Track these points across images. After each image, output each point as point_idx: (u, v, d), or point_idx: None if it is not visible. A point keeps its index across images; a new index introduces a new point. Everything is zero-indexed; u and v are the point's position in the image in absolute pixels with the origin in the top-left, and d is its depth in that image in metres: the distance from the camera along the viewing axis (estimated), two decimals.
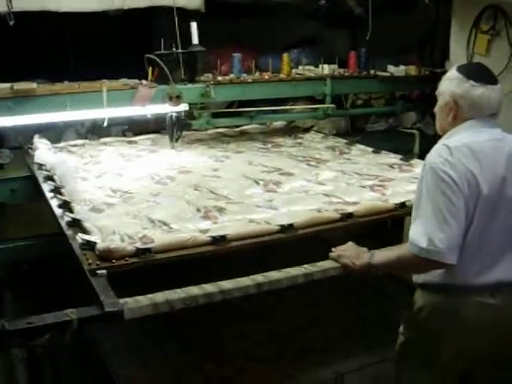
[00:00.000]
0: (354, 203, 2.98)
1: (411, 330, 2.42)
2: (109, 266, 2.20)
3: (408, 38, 5.76)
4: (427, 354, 2.33)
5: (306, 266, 2.35)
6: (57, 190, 3.03)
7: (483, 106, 2.24)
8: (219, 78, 4.37)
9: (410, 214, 2.89)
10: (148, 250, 2.29)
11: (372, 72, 5.03)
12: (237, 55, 4.51)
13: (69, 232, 2.55)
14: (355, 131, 5.16)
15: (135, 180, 3.38)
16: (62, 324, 1.87)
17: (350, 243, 2.46)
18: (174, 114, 4.09)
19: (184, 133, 4.33)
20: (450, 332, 2.26)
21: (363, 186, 3.30)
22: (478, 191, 2.13)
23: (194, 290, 2.10)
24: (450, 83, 2.28)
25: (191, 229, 2.61)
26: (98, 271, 2.16)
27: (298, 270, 2.32)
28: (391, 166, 3.75)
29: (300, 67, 4.90)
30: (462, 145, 2.17)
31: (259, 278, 2.23)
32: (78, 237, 2.41)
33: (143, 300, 2.00)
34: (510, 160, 2.23)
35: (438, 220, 2.09)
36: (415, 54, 5.80)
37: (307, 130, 4.92)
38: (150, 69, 4.09)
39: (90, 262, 2.22)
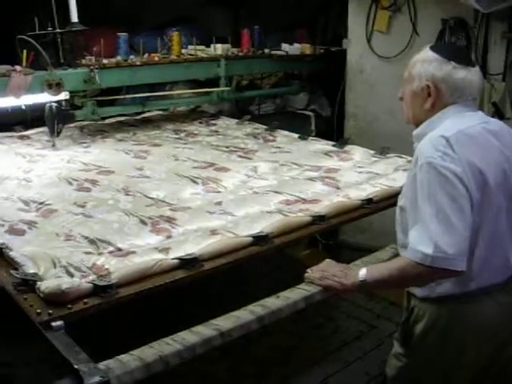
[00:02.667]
0: (315, 201, 2.63)
1: (419, 350, 2.11)
2: (66, 314, 1.66)
3: (298, 13, 5.48)
4: (446, 369, 2.05)
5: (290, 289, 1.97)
6: None
7: (466, 91, 1.98)
8: (104, 61, 3.79)
9: (377, 210, 2.69)
10: (109, 287, 1.77)
11: (267, 51, 4.68)
12: (123, 35, 3.96)
13: None
14: (241, 113, 4.74)
15: (48, 186, 2.75)
16: None
17: (328, 260, 2.10)
18: (54, 105, 3.45)
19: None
20: (473, 339, 1.99)
21: (311, 179, 2.96)
22: (485, 184, 1.86)
23: (189, 337, 1.63)
24: (428, 65, 1.99)
25: (144, 248, 2.12)
26: (53, 323, 1.61)
27: (297, 292, 1.92)
28: (327, 153, 3.44)
29: (190, 47, 4.42)
30: (458, 132, 1.88)
31: (258, 309, 1.81)
32: (9, 274, 1.83)
33: (130, 361, 1.51)
34: (505, 145, 1.98)
35: (443, 223, 1.76)
36: (307, 30, 5.53)
37: (216, 115, 4.46)
38: (25, 52, 3.43)
39: (39, 310, 1.65)
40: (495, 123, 2.05)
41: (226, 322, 1.71)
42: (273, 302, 1.84)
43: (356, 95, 4.78)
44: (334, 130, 4.68)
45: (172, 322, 1.86)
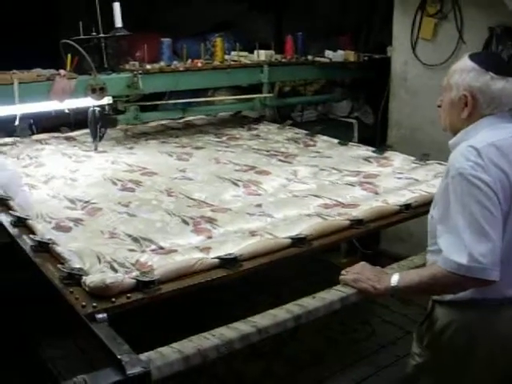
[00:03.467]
0: (353, 205, 2.66)
1: (434, 350, 2.12)
2: (110, 307, 1.72)
3: (342, 20, 5.48)
4: (455, 374, 2.05)
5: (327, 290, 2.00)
6: (4, 203, 2.48)
7: (503, 102, 1.95)
8: (148, 67, 3.84)
9: (415, 216, 2.70)
10: (152, 283, 1.83)
11: (310, 58, 4.67)
12: (166, 40, 4.03)
13: (37, 260, 2.03)
14: (283, 119, 4.70)
15: (93, 186, 2.85)
16: None
17: (363, 263, 2.12)
18: (97, 109, 3.50)
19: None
20: (484, 348, 1.99)
21: (350, 184, 2.98)
22: None
23: (227, 333, 1.67)
24: (466, 75, 1.96)
25: (186, 247, 2.18)
26: (97, 315, 1.68)
27: (333, 293, 1.96)
28: (366, 159, 3.46)
29: (233, 53, 4.45)
30: (488, 144, 1.87)
31: (295, 308, 1.84)
32: (56, 269, 1.91)
33: (170, 353, 1.56)
34: None
35: (476, 232, 1.77)
36: (350, 37, 5.52)
37: (258, 120, 4.51)
38: (69, 57, 3.51)
39: (84, 303, 1.72)
40: None
41: (263, 319, 1.75)
42: (309, 302, 1.87)
43: (399, 103, 4.72)
44: (376, 138, 4.65)
45: (209, 320, 1.91)
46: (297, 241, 2.22)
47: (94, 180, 2.95)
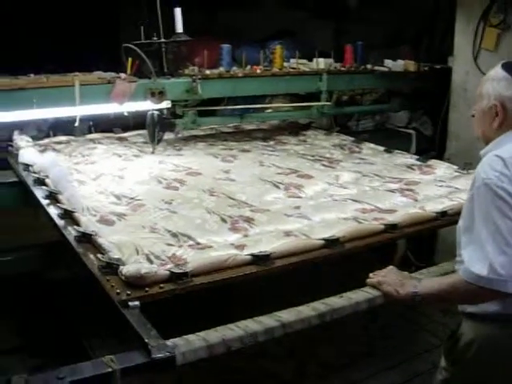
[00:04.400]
0: (391, 211, 2.68)
1: (459, 365, 2.10)
2: (142, 296, 1.82)
3: (402, 29, 5.46)
4: None
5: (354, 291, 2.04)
6: (53, 197, 2.61)
7: None
8: (207, 72, 3.92)
9: (451, 223, 2.70)
10: (184, 275, 1.92)
11: (369, 67, 4.66)
12: (226, 46, 4.09)
13: (80, 250, 2.15)
14: (340, 128, 4.72)
15: (139, 184, 2.97)
16: (101, 377, 1.49)
17: (391, 267, 2.14)
18: (156, 113, 3.60)
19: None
20: (509, 364, 1.97)
21: (391, 191, 3.01)
22: None
23: (252, 325, 1.74)
24: (497, 84, 1.95)
25: (222, 243, 2.26)
26: (130, 302, 1.77)
27: (360, 294, 2.00)
28: (409, 167, 3.48)
29: (292, 60, 4.51)
30: None
31: (320, 306, 1.89)
32: (96, 258, 2.02)
33: (195, 341, 1.64)
34: None
35: (499, 243, 1.76)
36: (410, 47, 5.49)
37: (307, 126, 4.57)
38: (130, 60, 3.63)
39: (119, 291, 1.82)
40: None
41: (288, 314, 1.81)
42: (335, 301, 1.91)
43: (459, 115, 4.63)
44: (435, 150, 4.59)
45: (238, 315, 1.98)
46: (329, 242, 2.27)
47: (140, 178, 3.07)
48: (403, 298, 1.99)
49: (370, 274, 2.10)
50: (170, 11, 3.76)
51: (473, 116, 2.14)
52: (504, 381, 2.00)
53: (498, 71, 1.98)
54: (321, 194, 2.97)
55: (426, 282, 2.00)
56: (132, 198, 2.73)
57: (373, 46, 5.01)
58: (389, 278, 2.05)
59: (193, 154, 3.60)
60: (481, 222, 1.82)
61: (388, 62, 4.75)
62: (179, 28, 3.78)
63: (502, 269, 1.75)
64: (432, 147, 4.72)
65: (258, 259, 2.09)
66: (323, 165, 3.46)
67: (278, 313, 1.82)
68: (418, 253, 4.37)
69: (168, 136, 3.93)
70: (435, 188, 3.07)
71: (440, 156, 4.35)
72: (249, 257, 2.09)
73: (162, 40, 3.73)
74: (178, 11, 3.76)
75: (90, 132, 4.11)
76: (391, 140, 4.40)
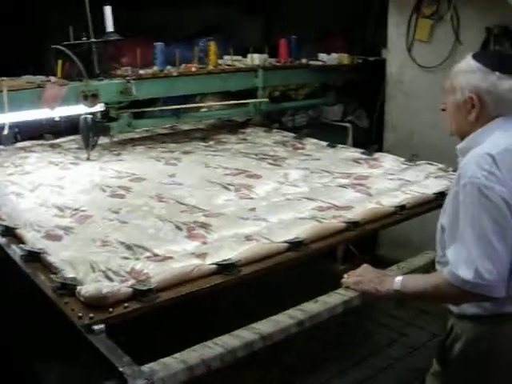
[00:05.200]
0: (347, 207, 2.62)
1: (459, 367, 2.04)
2: (107, 318, 1.66)
3: (334, 22, 5.42)
4: None
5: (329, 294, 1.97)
6: None
7: None
8: (141, 72, 3.75)
9: (411, 216, 2.67)
10: (149, 291, 1.77)
11: (304, 61, 4.60)
12: (159, 44, 3.93)
13: (29, 270, 1.97)
14: (273, 124, 4.62)
15: (81, 193, 2.79)
16: None
17: (366, 265, 2.08)
18: (89, 116, 3.40)
19: None
20: (509, 360, 1.92)
21: (343, 186, 2.96)
22: None
23: (230, 341, 1.63)
24: (471, 76, 1.89)
25: (181, 253, 2.13)
26: (95, 326, 1.62)
27: (335, 297, 1.92)
28: (356, 161, 3.44)
29: (226, 57, 4.39)
30: (504, 150, 1.79)
31: (297, 313, 1.80)
32: (48, 279, 1.85)
33: (173, 364, 1.51)
34: None
35: (485, 247, 1.71)
36: (343, 39, 5.47)
37: (245, 123, 4.47)
38: (60, 63, 3.44)
39: (80, 314, 1.66)
40: None
41: (266, 325, 1.71)
42: (311, 307, 1.84)
43: (396, 106, 4.68)
44: (372, 142, 4.57)
45: (208, 327, 1.86)
46: (294, 245, 2.18)
47: (81, 187, 2.88)
48: (383, 295, 1.93)
49: (345, 275, 2.03)
50: (98, 11, 3.57)
51: (443, 110, 2.07)
52: (505, 378, 1.95)
53: (470, 63, 1.91)
54: (273, 193, 2.88)
55: (408, 279, 1.93)
56: (76, 209, 2.55)
57: (305, 40, 4.96)
58: (366, 277, 1.99)
59: (133, 159, 3.42)
60: (467, 222, 1.76)
61: (322, 56, 4.70)
62: (109, 27, 3.59)
63: (488, 274, 1.69)
64: (369, 139, 4.72)
65: (223, 268, 1.97)
66: (269, 163, 3.38)
67: (255, 324, 1.72)
68: (360, 245, 4.34)
69: (103, 140, 3.73)
70: (386, 181, 3.03)
71: (379, 148, 4.33)
72: (214, 266, 1.96)
73: (93, 40, 3.53)
74: (107, 9, 3.57)
75: (17, 140, 3.85)
76: (328, 134, 4.35)
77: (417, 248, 3.83)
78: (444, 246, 1.93)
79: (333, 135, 4.39)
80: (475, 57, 1.93)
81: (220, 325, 1.81)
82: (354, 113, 5.10)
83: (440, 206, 2.67)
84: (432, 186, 2.91)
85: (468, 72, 1.90)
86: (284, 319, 1.75)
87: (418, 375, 2.81)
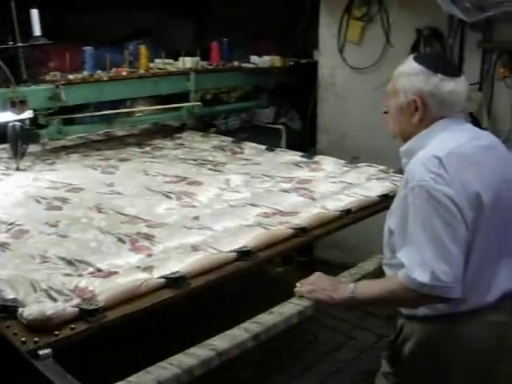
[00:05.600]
0: (293, 213, 2.59)
1: (411, 370, 2.04)
2: (53, 342, 1.56)
3: (265, 24, 5.40)
4: None
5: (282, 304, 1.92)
6: None
7: (455, 103, 1.91)
8: (70, 77, 3.62)
9: (357, 220, 2.66)
10: (96, 310, 1.68)
11: (236, 64, 4.56)
12: (88, 49, 3.80)
13: None
14: (206, 128, 4.56)
15: (15, 206, 2.63)
16: None
17: (318, 273, 2.04)
18: (18, 124, 3.24)
19: None
20: (464, 360, 1.93)
21: (285, 191, 2.93)
22: (480, 205, 1.79)
23: (186, 360, 1.56)
24: (414, 79, 1.90)
25: (126, 267, 2.03)
26: (41, 351, 1.52)
27: (290, 307, 1.87)
28: (297, 164, 3.42)
29: (157, 61, 4.30)
30: (450, 152, 1.80)
31: (253, 326, 1.75)
32: None
33: None
34: (497, 161, 1.92)
35: (439, 249, 1.71)
36: (274, 42, 5.45)
37: (180, 128, 4.37)
38: None
39: (24, 338, 1.55)
40: (486, 137, 1.99)
41: (221, 341, 1.64)
42: (267, 319, 1.78)
43: (328, 108, 4.70)
44: (305, 144, 4.55)
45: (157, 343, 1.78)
46: (242, 254, 2.13)
47: (15, 199, 2.73)
48: (338, 303, 1.90)
49: (297, 284, 1.99)
50: (25, 14, 3.41)
51: (385, 113, 2.07)
52: (458, 379, 1.96)
53: (412, 65, 1.92)
54: (215, 200, 2.81)
55: (363, 285, 1.91)
56: (11, 224, 2.41)
57: (237, 42, 4.91)
58: (319, 285, 1.94)
59: (68, 168, 3.28)
60: (418, 225, 1.75)
61: (254, 59, 4.67)
62: (37, 31, 3.43)
63: (445, 276, 1.69)
64: (302, 141, 4.72)
65: (172, 281, 1.89)
66: (209, 169, 3.31)
67: (210, 341, 1.65)
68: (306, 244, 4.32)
69: (35, 148, 3.57)
70: (329, 185, 3.02)
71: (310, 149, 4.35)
72: (162, 280, 1.89)
73: (19, 44, 3.37)
74: (34, 13, 3.40)
75: None
76: (261, 137, 4.31)
77: (352, 249, 3.88)
78: (393, 249, 1.92)
79: (266, 138, 4.36)
80: (417, 59, 1.94)
81: (171, 341, 1.73)
82: (287, 115, 5.09)
83: (385, 208, 2.72)
84: (375, 188, 2.92)
85: (411, 74, 1.91)
86: (240, 333, 1.69)
87: (367, 377, 2.83)
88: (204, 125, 4.56)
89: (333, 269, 2.37)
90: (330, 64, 4.64)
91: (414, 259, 1.74)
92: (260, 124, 5.03)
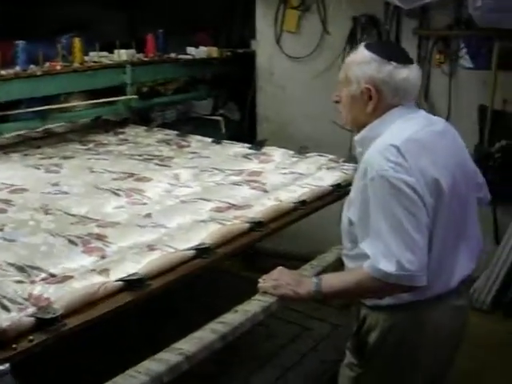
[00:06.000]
0: (246, 206, 2.57)
1: (377, 359, 2.03)
2: (11, 356, 1.47)
3: (200, 15, 5.32)
4: (403, 378, 2.01)
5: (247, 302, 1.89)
6: None
7: (408, 91, 1.90)
8: (2, 72, 3.46)
9: (312, 211, 2.64)
10: (54, 319, 1.60)
11: (173, 55, 4.47)
12: (21, 43, 3.64)
13: None
14: (143, 121, 4.42)
15: None
16: None
17: (280, 268, 2.01)
18: None
19: None
20: (430, 345, 1.95)
21: (236, 184, 2.89)
22: (439, 191, 1.80)
23: (154, 366, 1.50)
24: (366, 67, 1.87)
25: (81, 271, 1.94)
26: None
27: (254, 304, 1.84)
28: (245, 156, 3.39)
29: (92, 54, 4.14)
30: (407, 140, 1.80)
31: (219, 326, 1.70)
32: None
33: None
34: (451, 147, 1.94)
35: (402, 238, 1.70)
36: (210, 32, 5.38)
37: (122, 123, 4.25)
38: None
39: None
40: (439, 123, 2.00)
41: (189, 344, 1.59)
42: (233, 318, 1.74)
43: (267, 98, 4.69)
44: (245, 135, 4.53)
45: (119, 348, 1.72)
46: (200, 251, 2.07)
47: None
48: (303, 297, 1.89)
49: (260, 280, 1.95)
50: None
51: (336, 102, 2.03)
52: (425, 364, 1.97)
53: (364, 53, 1.90)
54: (166, 196, 2.75)
55: (328, 278, 1.89)
56: None
57: (173, 33, 4.81)
58: (282, 280, 1.92)
59: (9, 168, 3.12)
60: (380, 215, 1.73)
61: (191, 50, 4.59)
62: None
63: (410, 264, 1.68)
64: (242, 132, 4.68)
65: (131, 284, 1.82)
66: (157, 164, 3.23)
67: (178, 344, 1.60)
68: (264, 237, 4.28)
69: None
70: (280, 176, 3.00)
71: (253, 140, 4.30)
72: (120, 283, 1.82)
73: None
74: None
75: None
76: (200, 129, 4.23)
77: (293, 237, 3.84)
78: (353, 239, 1.91)
79: (205, 129, 4.29)
80: (369, 47, 1.92)
81: (132, 344, 1.67)
82: (225, 106, 5.04)
83: (338, 198, 2.72)
84: (326, 178, 2.92)
85: (363, 63, 1.88)
86: (207, 335, 1.64)
87: (326, 367, 2.82)
88: (141, 118, 4.43)
89: (277, 260, 2.34)
90: (267, 53, 4.64)
91: (378, 249, 1.73)
92: (198, 116, 4.94)
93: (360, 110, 1.92)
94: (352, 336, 2.12)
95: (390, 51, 1.92)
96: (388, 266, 1.69)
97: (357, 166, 1.98)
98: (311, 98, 4.38)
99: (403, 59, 1.90)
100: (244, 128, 4.86)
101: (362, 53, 1.91)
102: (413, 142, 1.80)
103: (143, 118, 4.44)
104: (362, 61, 1.89)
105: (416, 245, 1.71)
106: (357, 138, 1.98)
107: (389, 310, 1.94)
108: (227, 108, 5.04)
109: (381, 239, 1.73)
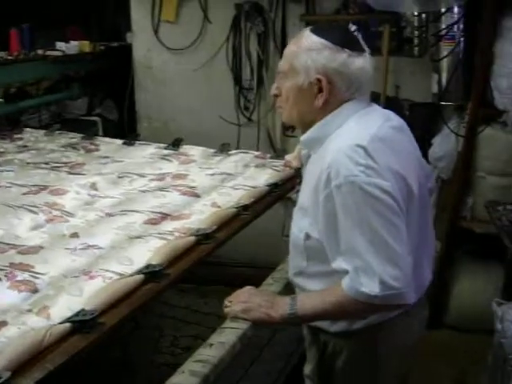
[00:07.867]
0: (184, 216, 2.33)
1: (347, 380, 1.89)
2: None
3: (68, 7, 4.91)
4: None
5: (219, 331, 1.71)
6: None
7: (364, 82, 1.71)
8: None
9: (257, 215, 2.42)
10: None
11: (40, 52, 4.11)
12: None
13: None
14: (13, 125, 3.94)
15: None
16: None
17: (248, 288, 1.80)
18: None
19: None
20: (397, 357, 1.85)
21: (163, 190, 2.62)
22: (410, 192, 1.64)
23: None
24: (317, 55, 1.65)
25: (14, 314, 1.62)
26: None
27: (228, 334, 1.63)
28: (164, 158, 3.13)
29: None
30: (371, 139, 1.60)
31: (197, 366, 1.51)
32: None
33: None
34: (409, 142, 1.81)
35: (384, 252, 1.51)
36: (80, 25, 5.01)
37: (16, 127, 3.81)
38: None
39: None
40: (394, 117, 1.82)
41: None
42: (211, 354, 1.52)
43: (147, 94, 4.46)
44: (125, 134, 4.19)
45: None
46: (150, 275, 1.81)
47: None
48: (278, 321, 1.67)
49: (226, 303, 1.73)
50: None
51: (275, 96, 1.81)
52: (395, 375, 1.87)
53: (312, 39, 1.67)
54: (88, 210, 2.42)
55: (303, 299, 1.69)
56: None
57: (39, 27, 4.43)
58: (253, 302, 1.70)
59: None
60: (354, 228, 1.53)
61: (61, 45, 4.24)
62: None
63: (396, 281, 1.50)
64: (122, 132, 4.39)
65: (81, 325, 1.54)
66: (68, 172, 2.87)
67: None
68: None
69: None
70: (208, 178, 2.78)
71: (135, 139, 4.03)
72: (67, 325, 1.53)
73: None
74: None
75: None
76: (77, 131, 3.79)
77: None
78: (312, 256, 1.72)
79: (82, 131, 3.84)
80: (317, 32, 1.69)
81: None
82: (102, 105, 4.75)
83: (279, 198, 2.55)
84: (258, 178, 2.75)
85: (312, 50, 1.66)
86: (186, 380, 1.41)
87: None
88: (10, 123, 3.98)
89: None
90: (145, 46, 4.39)
91: (356, 268, 1.53)
92: (73, 117, 4.60)
93: (307, 104, 1.71)
94: (314, 364, 1.95)
95: (342, 37, 1.70)
96: (371, 287, 1.50)
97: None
98: (194, 91, 4.24)
99: (357, 46, 1.70)
100: (124, 127, 4.56)
101: (309, 38, 1.68)
102: (378, 141, 1.61)
103: (13, 123, 4.00)
104: (312, 47, 1.66)
105: (399, 258, 1.52)
106: (304, 138, 1.78)
107: (356, 335, 1.78)
108: (104, 107, 4.75)
109: (359, 256, 1.53)
